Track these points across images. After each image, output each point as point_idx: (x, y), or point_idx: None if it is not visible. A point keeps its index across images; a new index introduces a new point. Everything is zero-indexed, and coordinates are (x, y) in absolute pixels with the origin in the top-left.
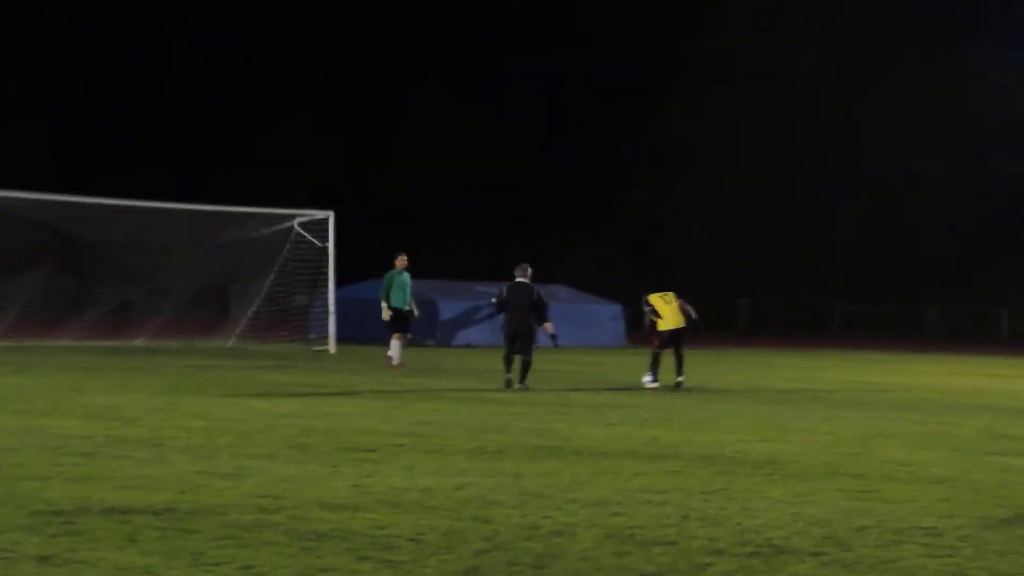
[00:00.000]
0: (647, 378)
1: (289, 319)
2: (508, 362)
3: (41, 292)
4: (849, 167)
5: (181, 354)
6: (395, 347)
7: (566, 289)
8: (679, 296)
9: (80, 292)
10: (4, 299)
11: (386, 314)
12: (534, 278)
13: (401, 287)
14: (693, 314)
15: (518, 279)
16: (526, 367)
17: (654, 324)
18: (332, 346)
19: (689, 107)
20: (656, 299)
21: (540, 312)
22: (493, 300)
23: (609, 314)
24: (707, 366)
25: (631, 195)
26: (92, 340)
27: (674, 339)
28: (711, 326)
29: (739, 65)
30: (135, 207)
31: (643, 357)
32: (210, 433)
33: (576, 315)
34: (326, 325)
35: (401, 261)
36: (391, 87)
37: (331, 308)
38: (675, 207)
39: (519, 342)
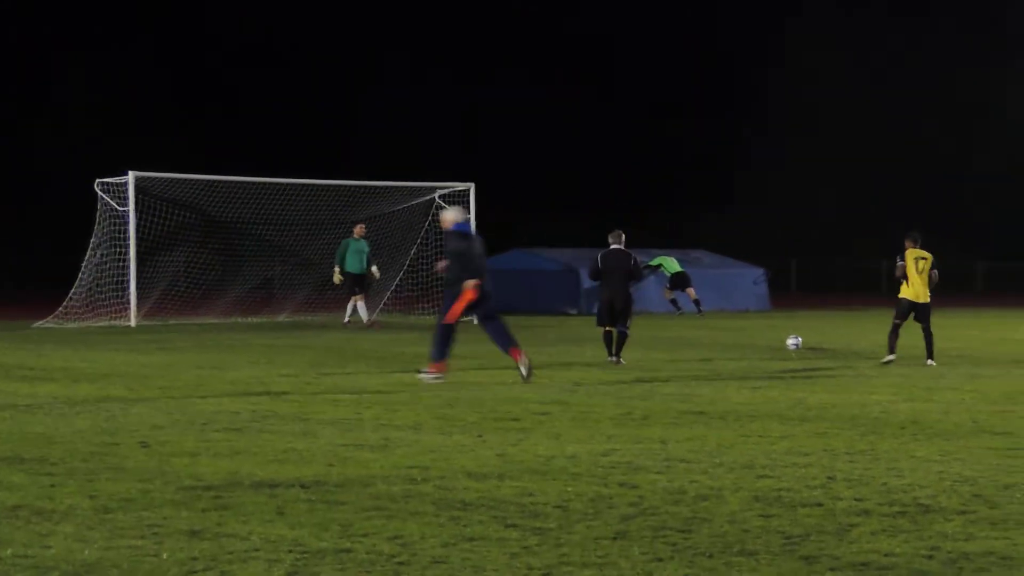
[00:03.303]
0: (791, 340)
1: (431, 291)
2: (608, 340)
3: (184, 271)
4: (987, 120)
5: (325, 329)
6: (361, 308)
7: (708, 254)
8: (935, 263)
9: (223, 270)
10: (148, 278)
11: (336, 278)
12: (678, 244)
13: (357, 253)
14: (931, 284)
15: (613, 246)
16: (622, 339)
17: (902, 281)
18: (474, 317)
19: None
20: (911, 258)
21: (637, 280)
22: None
23: (752, 277)
24: (850, 327)
25: (763, 156)
26: (236, 317)
27: (914, 311)
28: (851, 288)
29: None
30: (275, 183)
31: (786, 321)
32: (356, 406)
33: (718, 280)
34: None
35: (359, 230)
36: (530, 61)
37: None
38: (808, 167)
39: (616, 313)
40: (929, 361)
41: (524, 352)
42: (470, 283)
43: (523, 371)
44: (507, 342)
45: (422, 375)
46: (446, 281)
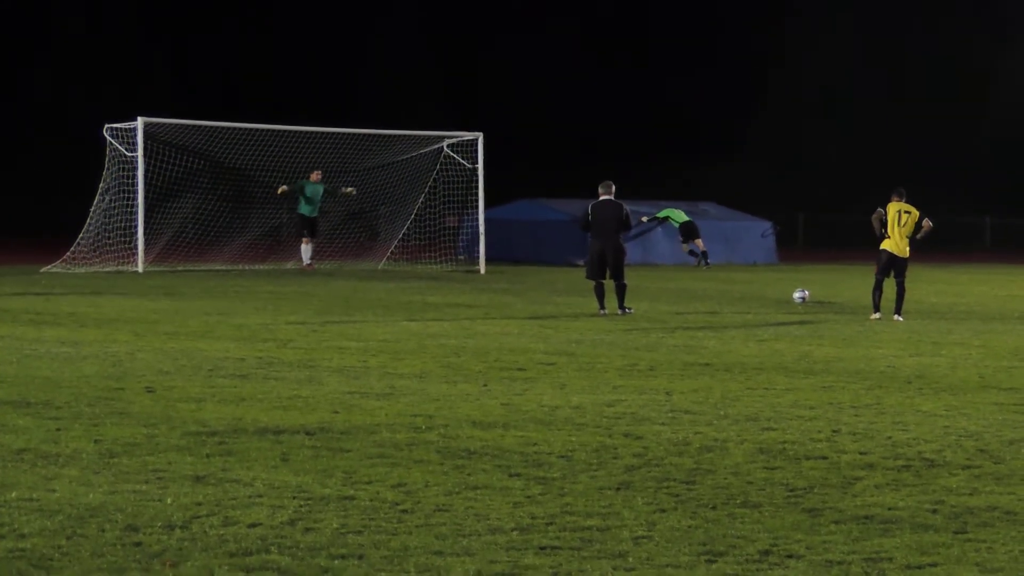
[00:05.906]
0: (797, 294)
1: (439, 241)
2: (600, 293)
3: (192, 217)
4: (997, 77)
5: (332, 276)
6: (305, 251)
7: (716, 206)
8: (923, 216)
9: (231, 216)
10: (156, 225)
11: (280, 189)
12: (686, 197)
13: (312, 197)
14: (921, 233)
15: (603, 197)
16: (622, 291)
17: (881, 237)
18: (482, 267)
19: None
20: (892, 211)
21: (627, 229)
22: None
23: (760, 230)
24: (857, 281)
25: (772, 108)
26: (243, 264)
27: (892, 265)
28: (856, 243)
29: None
30: (284, 131)
31: (794, 274)
32: (362, 354)
33: (726, 232)
34: (476, 246)
35: (316, 176)
36: (539, 9)
37: (481, 229)
38: (817, 120)
39: (609, 265)
40: (897, 317)
41: None
42: None
43: None
44: None
45: None
46: None
